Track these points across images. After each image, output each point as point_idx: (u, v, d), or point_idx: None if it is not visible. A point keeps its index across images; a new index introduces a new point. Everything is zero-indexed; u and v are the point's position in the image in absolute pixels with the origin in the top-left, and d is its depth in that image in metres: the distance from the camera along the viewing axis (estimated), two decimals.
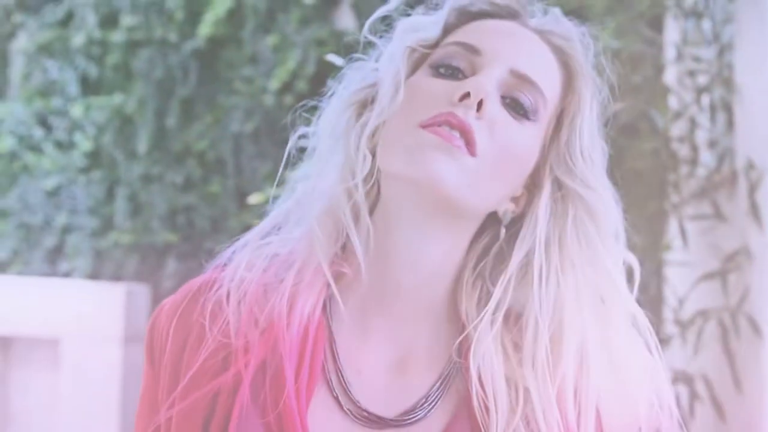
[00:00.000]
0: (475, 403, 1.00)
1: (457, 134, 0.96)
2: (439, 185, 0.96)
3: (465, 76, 1.00)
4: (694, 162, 2.53)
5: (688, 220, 2.51)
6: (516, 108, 1.00)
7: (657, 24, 2.69)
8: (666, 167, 2.50)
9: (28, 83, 5.20)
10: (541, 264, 1.01)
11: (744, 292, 2.42)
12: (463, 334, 1.02)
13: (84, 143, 5.06)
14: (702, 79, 2.56)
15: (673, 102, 2.59)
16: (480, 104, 0.98)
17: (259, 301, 1.03)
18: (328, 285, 1.03)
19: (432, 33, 1.05)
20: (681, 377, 2.39)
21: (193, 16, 4.89)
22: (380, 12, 1.08)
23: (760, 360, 2.43)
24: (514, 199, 1.04)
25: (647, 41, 2.61)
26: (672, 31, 2.66)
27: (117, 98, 5.03)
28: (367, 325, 1.04)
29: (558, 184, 1.03)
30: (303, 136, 1.09)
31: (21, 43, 5.24)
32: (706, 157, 2.56)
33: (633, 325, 1.04)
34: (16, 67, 5.28)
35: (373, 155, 1.03)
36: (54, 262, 5.01)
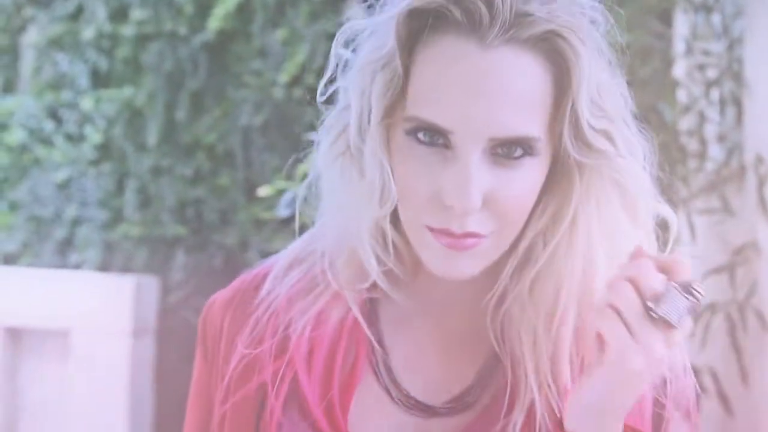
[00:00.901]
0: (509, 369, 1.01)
1: (462, 239, 0.96)
2: (467, 277, 0.98)
3: (444, 145, 0.95)
4: (702, 156, 2.53)
5: (697, 214, 2.51)
6: (509, 154, 0.95)
7: (666, 18, 2.69)
8: (674, 161, 2.50)
9: (39, 76, 5.22)
10: (557, 238, 1.00)
11: (752, 286, 2.43)
12: (487, 298, 1.02)
13: (94, 136, 5.07)
14: (711, 73, 2.56)
15: (682, 96, 2.59)
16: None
17: (283, 308, 1.05)
18: (367, 289, 1.04)
19: (394, 70, 0.97)
20: None
21: (203, 10, 4.90)
22: (327, 77, 1.03)
23: (767, 354, 2.44)
24: None
25: (656, 35, 2.60)
26: (681, 24, 2.66)
27: (127, 91, 5.04)
28: (412, 317, 1.05)
29: (569, 160, 0.99)
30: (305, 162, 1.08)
31: (31, 37, 5.26)
32: (715, 151, 2.56)
33: None
34: (27, 60, 5.29)
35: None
36: (64, 254, 5.02)
